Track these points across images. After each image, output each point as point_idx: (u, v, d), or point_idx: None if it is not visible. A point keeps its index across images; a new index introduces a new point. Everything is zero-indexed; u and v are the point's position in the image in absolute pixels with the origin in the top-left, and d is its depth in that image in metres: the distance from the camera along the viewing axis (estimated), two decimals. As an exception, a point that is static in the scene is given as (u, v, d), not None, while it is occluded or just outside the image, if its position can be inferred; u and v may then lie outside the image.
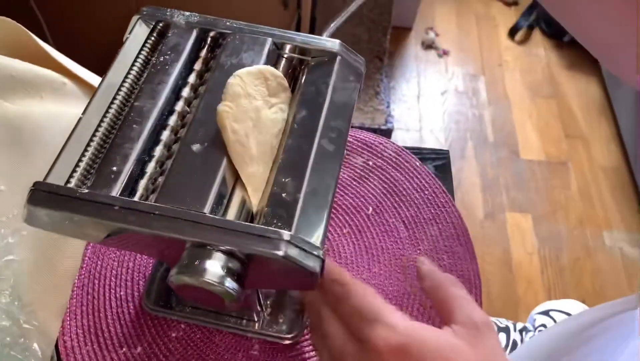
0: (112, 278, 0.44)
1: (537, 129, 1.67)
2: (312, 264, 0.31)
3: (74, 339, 0.41)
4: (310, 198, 0.33)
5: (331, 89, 0.38)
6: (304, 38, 0.40)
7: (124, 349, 0.41)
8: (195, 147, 0.34)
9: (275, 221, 0.32)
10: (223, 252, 0.31)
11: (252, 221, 0.34)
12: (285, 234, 0.31)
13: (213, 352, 0.42)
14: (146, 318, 0.43)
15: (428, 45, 1.80)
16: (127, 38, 0.40)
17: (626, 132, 1.60)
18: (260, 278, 0.33)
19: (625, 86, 1.58)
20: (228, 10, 1.13)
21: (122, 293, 0.44)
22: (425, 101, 1.70)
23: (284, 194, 0.33)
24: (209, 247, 0.31)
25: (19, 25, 0.56)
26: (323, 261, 0.32)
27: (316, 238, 0.32)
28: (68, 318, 0.42)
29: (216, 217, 0.31)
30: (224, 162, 0.34)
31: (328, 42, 0.40)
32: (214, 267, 0.31)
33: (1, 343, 0.33)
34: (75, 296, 0.43)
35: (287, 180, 0.34)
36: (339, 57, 0.39)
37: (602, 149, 1.64)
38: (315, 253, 0.31)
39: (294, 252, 0.31)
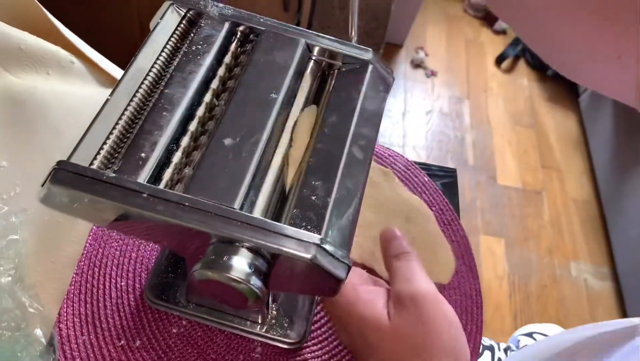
0: (114, 267, 0.43)
1: (515, 157, 1.71)
2: (339, 271, 0.31)
3: (70, 328, 0.40)
4: (339, 203, 0.33)
5: (362, 96, 0.38)
6: (337, 43, 0.40)
7: (122, 342, 0.40)
8: (227, 141, 0.34)
9: (304, 224, 0.32)
10: (249, 250, 0.31)
11: (283, 203, 0.34)
12: (315, 238, 0.30)
13: (214, 352, 0.41)
14: (147, 312, 0.41)
15: (417, 65, 1.83)
16: (157, 23, 0.39)
17: (599, 168, 1.65)
18: (282, 281, 0.33)
19: (601, 121, 1.64)
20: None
21: (122, 284, 0.42)
22: (410, 118, 1.72)
23: (313, 197, 0.33)
24: (236, 243, 0.30)
25: (32, -2, 0.54)
26: (349, 268, 0.31)
27: (344, 244, 0.32)
28: (65, 306, 0.40)
29: (247, 214, 0.31)
30: (256, 157, 0.33)
31: (361, 49, 0.40)
32: (241, 264, 0.30)
33: (6, 326, 0.32)
34: (73, 283, 0.42)
35: (317, 183, 0.34)
36: (371, 66, 0.39)
37: (575, 181, 1.69)
38: (342, 259, 0.31)
39: (322, 256, 0.30)
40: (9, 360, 0.32)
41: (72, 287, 0.41)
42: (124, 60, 0.61)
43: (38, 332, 0.33)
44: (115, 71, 0.59)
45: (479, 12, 2.05)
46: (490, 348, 0.66)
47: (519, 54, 1.93)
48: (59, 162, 0.31)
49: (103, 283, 0.42)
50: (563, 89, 1.88)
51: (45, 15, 0.55)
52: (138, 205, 0.30)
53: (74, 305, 0.41)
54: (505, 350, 0.66)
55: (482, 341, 0.65)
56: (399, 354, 0.34)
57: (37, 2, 0.54)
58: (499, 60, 1.90)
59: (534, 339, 0.68)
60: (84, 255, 0.43)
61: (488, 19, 2.03)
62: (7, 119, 0.47)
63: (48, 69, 0.53)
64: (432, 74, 1.83)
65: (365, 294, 0.36)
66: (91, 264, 0.43)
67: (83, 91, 0.54)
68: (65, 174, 0.31)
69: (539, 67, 1.90)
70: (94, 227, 0.44)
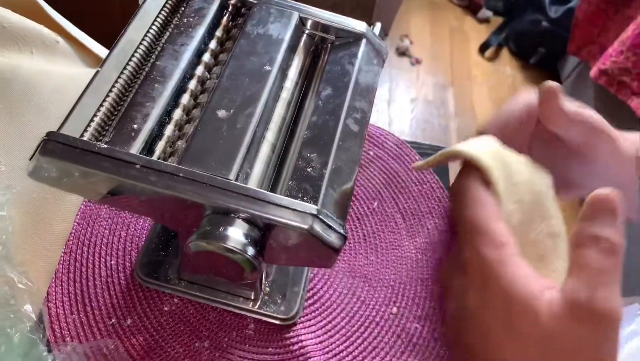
0: (103, 246, 0.42)
1: (499, 144, 1.72)
2: (335, 240, 0.31)
3: (59, 306, 0.39)
4: (335, 175, 0.33)
5: (356, 69, 0.38)
6: (330, 16, 0.40)
7: (112, 320, 0.39)
8: (221, 113, 0.33)
9: (300, 195, 0.32)
10: (245, 221, 0.30)
11: (278, 175, 0.33)
12: (312, 208, 0.30)
13: (206, 329, 0.40)
14: (137, 290, 0.41)
15: (402, 52, 1.83)
16: (146, -5, 0.38)
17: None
18: (278, 252, 0.32)
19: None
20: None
21: (112, 263, 0.42)
22: (396, 107, 1.72)
23: (309, 169, 0.33)
24: (232, 215, 0.30)
25: (11, -26, 0.53)
26: (345, 238, 0.31)
27: (340, 215, 0.32)
28: (54, 285, 0.40)
29: (243, 185, 0.30)
30: (251, 129, 0.33)
31: (355, 23, 0.40)
32: (237, 234, 0.30)
33: (-6, 301, 0.31)
34: (62, 262, 0.41)
35: (312, 155, 0.33)
36: (364, 39, 0.39)
37: (557, 168, 1.71)
38: (338, 230, 0.31)
39: (319, 226, 0.30)
40: (-1, 337, 0.31)
41: (61, 266, 0.41)
42: (104, 42, 0.59)
43: (28, 308, 0.32)
44: (101, 51, 0.57)
45: (463, 1, 2.05)
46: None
47: (502, 43, 1.94)
48: (49, 133, 0.30)
49: (92, 262, 0.42)
50: (546, 77, 1.89)
51: (28, -8, 0.53)
52: (131, 176, 0.30)
53: (63, 284, 0.40)
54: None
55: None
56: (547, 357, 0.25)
57: (18, -21, 0.53)
58: (483, 48, 1.91)
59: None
60: (72, 234, 0.42)
61: (471, 7, 2.04)
62: (-10, 97, 0.45)
63: (32, 48, 0.52)
64: (417, 62, 1.83)
65: (514, 264, 0.28)
66: (80, 243, 0.42)
67: (69, 70, 0.52)
68: (55, 145, 0.30)
69: (522, 55, 1.92)
70: (82, 205, 0.43)
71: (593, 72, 1.34)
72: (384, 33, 1.80)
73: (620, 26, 1.43)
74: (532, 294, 0.26)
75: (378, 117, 1.67)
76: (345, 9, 1.51)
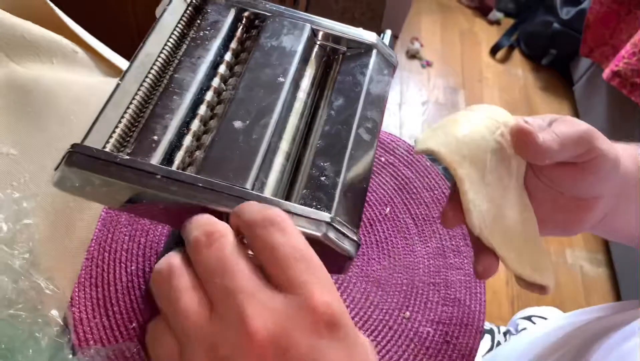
0: (123, 252, 0.44)
1: (511, 146, 1.72)
2: (349, 247, 0.32)
3: (82, 311, 0.40)
4: (348, 183, 0.34)
5: (368, 80, 0.39)
6: (342, 28, 0.41)
7: (133, 324, 0.41)
8: (237, 124, 0.34)
9: (314, 203, 0.33)
10: (262, 229, 0.31)
11: (293, 184, 0.34)
12: (326, 216, 0.31)
13: (224, 332, 0.41)
14: (157, 295, 0.42)
15: (412, 55, 1.83)
16: (164, 10, 0.40)
17: (594, 156, 1.66)
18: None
19: (596, 109, 1.66)
20: None
21: (132, 268, 0.43)
22: (407, 109, 1.72)
23: (322, 178, 0.34)
24: (249, 223, 0.31)
25: (32, -14, 0.54)
26: (359, 245, 0.32)
27: (353, 222, 0.33)
28: (77, 290, 0.41)
29: (259, 193, 0.31)
30: (266, 139, 0.34)
31: (366, 33, 0.41)
32: (254, 243, 0.31)
33: (23, 307, 0.32)
34: (84, 267, 0.42)
35: (325, 164, 0.34)
36: (375, 50, 0.40)
37: (570, 170, 1.71)
38: (352, 237, 0.32)
39: (332, 234, 0.31)
40: (27, 341, 0.32)
41: (83, 271, 0.42)
42: (121, 51, 0.61)
43: (54, 313, 0.34)
44: (119, 60, 0.59)
45: (473, 2, 2.05)
46: (490, 332, 0.67)
47: (513, 44, 1.94)
48: (73, 145, 0.32)
49: (113, 268, 0.43)
50: (557, 78, 1.89)
51: (48, 4, 0.55)
52: (152, 186, 0.31)
53: (86, 288, 0.41)
54: (505, 334, 0.68)
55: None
56: None
57: (39, -8, 0.55)
58: (494, 50, 1.91)
59: (533, 322, 0.70)
60: (94, 240, 0.43)
61: (482, 9, 2.04)
62: (14, 108, 0.47)
63: (52, 58, 0.54)
64: (428, 64, 1.84)
65: None
66: (101, 249, 0.43)
67: (87, 80, 0.54)
68: (80, 157, 0.31)
69: (534, 57, 1.91)
70: (103, 212, 0.45)
71: (605, 74, 1.34)
72: (394, 36, 1.81)
73: (632, 27, 1.42)
74: None
75: (389, 120, 1.68)
76: (355, 12, 1.52)
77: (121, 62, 0.58)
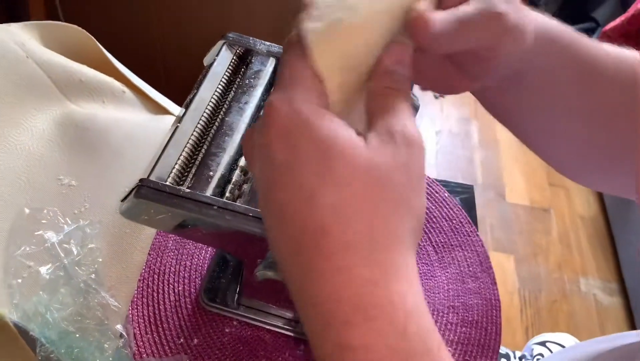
0: (171, 274, 0.48)
1: (523, 175, 1.75)
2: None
3: (136, 327, 0.45)
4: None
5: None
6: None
7: (181, 340, 0.45)
8: (281, 161, 0.39)
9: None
10: (304, 254, 0.36)
11: None
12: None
13: (262, 348, 0.45)
14: (202, 313, 0.47)
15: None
16: (214, 60, 0.45)
17: (606, 186, 1.69)
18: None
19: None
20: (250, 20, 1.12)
21: (180, 289, 0.48)
22: (421, 139, 1.77)
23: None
24: (293, 249, 0.36)
25: (87, 33, 0.60)
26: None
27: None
28: (131, 308, 0.46)
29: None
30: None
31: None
32: (298, 266, 0.35)
33: (92, 322, 0.37)
34: (137, 288, 0.47)
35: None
36: (400, 95, 0.45)
37: (582, 199, 1.74)
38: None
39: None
40: (95, 351, 0.37)
41: (136, 292, 0.47)
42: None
43: (120, 327, 0.38)
44: (161, 99, 0.64)
45: (485, 36, 2.11)
46: (506, 356, 0.70)
47: (524, 76, 1.99)
48: (141, 180, 0.37)
49: (162, 288, 0.47)
50: (568, 109, 1.93)
51: (100, 49, 0.61)
52: (211, 216, 0.36)
53: (138, 307, 0.46)
54: (520, 358, 0.71)
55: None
56: (368, 193, 0.25)
57: (91, 36, 0.61)
58: (505, 81, 1.96)
59: (548, 348, 0.72)
60: (145, 264, 0.48)
61: (494, 42, 2.09)
62: (73, 144, 0.52)
63: (103, 98, 0.59)
64: (441, 95, 1.89)
65: (333, 116, 0.27)
66: (151, 271, 0.48)
67: (135, 117, 0.60)
68: (147, 190, 0.36)
69: (544, 88, 1.96)
70: (154, 239, 0.49)
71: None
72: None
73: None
74: (349, 138, 0.26)
75: (404, 150, 1.73)
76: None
77: (163, 101, 0.64)
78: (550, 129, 0.42)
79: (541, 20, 0.35)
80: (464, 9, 0.29)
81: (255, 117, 0.42)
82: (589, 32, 1.87)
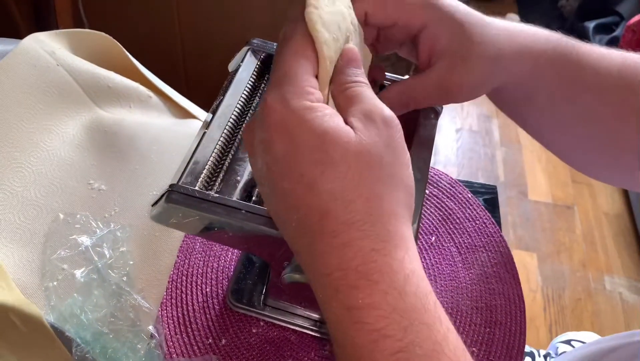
0: (199, 276, 0.49)
1: (545, 173, 1.74)
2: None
3: (165, 328, 0.46)
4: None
5: (418, 124, 0.44)
6: (391, 77, 0.46)
7: (209, 340, 0.46)
8: (306, 165, 0.40)
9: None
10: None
11: None
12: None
13: (289, 349, 0.46)
14: (229, 314, 0.48)
15: (446, 84, 1.88)
16: (239, 66, 0.46)
17: (631, 182, 1.67)
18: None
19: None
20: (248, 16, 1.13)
21: (207, 290, 0.49)
22: (442, 136, 1.77)
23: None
24: (320, 252, 0.36)
25: (114, 40, 0.62)
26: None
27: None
28: (161, 309, 0.47)
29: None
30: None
31: (415, 84, 0.46)
32: (324, 269, 0.36)
33: (124, 323, 0.38)
34: (166, 290, 0.48)
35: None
36: (423, 98, 0.45)
37: (606, 196, 1.71)
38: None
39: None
40: (128, 352, 0.38)
41: (165, 293, 0.48)
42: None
43: (151, 328, 0.39)
44: (186, 103, 0.66)
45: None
46: (531, 355, 0.70)
47: (546, 72, 1.97)
48: (171, 185, 0.38)
49: (191, 290, 0.49)
50: (591, 105, 1.90)
51: (126, 55, 0.62)
52: (239, 219, 0.36)
53: (168, 308, 0.47)
54: (545, 357, 0.70)
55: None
56: (363, 175, 0.29)
57: (117, 42, 0.62)
58: (527, 78, 1.94)
59: (572, 346, 0.72)
60: (174, 266, 0.49)
61: (514, 38, 2.07)
62: (102, 148, 0.54)
63: (130, 103, 0.61)
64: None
65: (321, 108, 0.30)
66: (180, 273, 0.49)
67: (161, 122, 0.61)
68: (178, 195, 0.37)
69: (567, 84, 1.94)
70: (182, 241, 0.51)
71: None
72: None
73: (665, 56, 1.44)
74: (338, 127, 0.29)
75: (424, 148, 1.72)
76: (391, 57, 1.58)
77: (188, 105, 0.65)
78: (564, 137, 0.47)
79: (533, 40, 0.41)
80: None
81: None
82: (613, 26, 1.84)
